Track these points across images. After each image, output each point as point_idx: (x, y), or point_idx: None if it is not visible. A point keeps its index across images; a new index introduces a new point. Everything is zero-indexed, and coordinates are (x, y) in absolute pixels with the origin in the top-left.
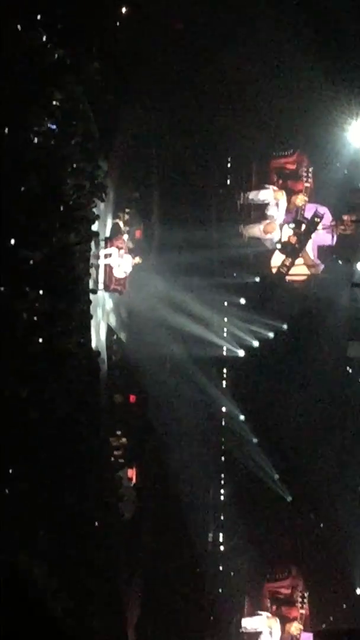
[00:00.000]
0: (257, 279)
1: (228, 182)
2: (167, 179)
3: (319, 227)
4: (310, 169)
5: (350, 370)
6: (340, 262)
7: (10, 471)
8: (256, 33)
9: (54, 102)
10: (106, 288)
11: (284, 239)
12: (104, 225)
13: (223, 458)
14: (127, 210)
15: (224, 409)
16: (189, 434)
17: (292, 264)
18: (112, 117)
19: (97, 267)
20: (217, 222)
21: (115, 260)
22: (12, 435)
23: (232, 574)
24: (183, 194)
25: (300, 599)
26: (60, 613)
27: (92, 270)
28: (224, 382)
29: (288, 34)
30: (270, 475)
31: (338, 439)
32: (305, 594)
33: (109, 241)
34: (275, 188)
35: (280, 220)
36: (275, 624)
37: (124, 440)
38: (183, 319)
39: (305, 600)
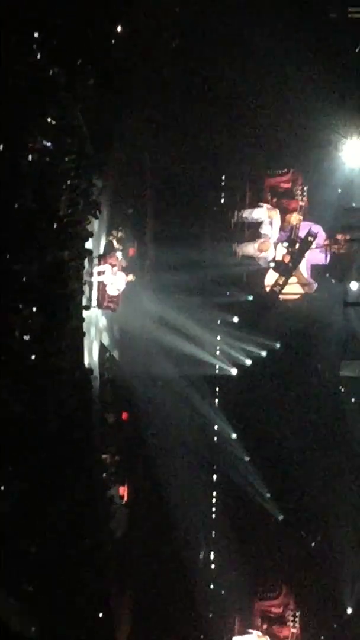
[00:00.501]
0: (251, 298)
1: (222, 200)
2: (161, 197)
3: (313, 246)
4: (305, 188)
5: (342, 390)
6: (333, 281)
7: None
8: (252, 52)
9: (49, 119)
10: (99, 305)
11: (278, 257)
12: (97, 243)
13: (214, 476)
14: (120, 228)
15: (215, 427)
16: (181, 452)
17: (286, 282)
18: (106, 134)
19: (91, 284)
20: (210, 240)
21: (109, 277)
22: (2, 450)
23: (222, 592)
24: (177, 212)
25: (291, 618)
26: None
27: (86, 288)
28: (216, 400)
29: (284, 53)
30: (262, 493)
31: (330, 458)
32: (297, 613)
33: (102, 258)
34: (269, 206)
35: (274, 238)
36: None
37: (116, 457)
38: (176, 337)
39: (297, 619)
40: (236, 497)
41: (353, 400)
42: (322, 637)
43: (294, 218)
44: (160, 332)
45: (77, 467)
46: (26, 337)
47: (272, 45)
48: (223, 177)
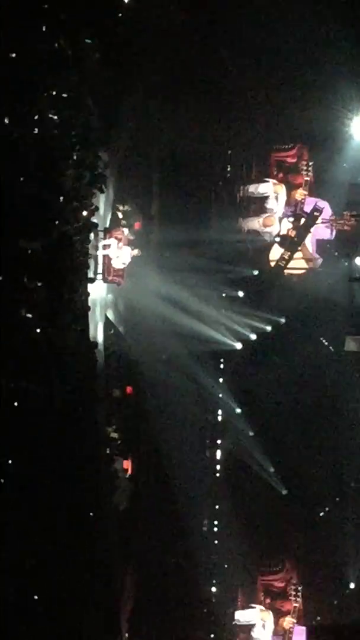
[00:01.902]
0: (256, 272)
1: (228, 175)
2: (167, 171)
3: (318, 221)
4: (311, 163)
5: (346, 364)
6: (338, 256)
7: (8, 461)
8: (258, 26)
9: (55, 93)
10: (104, 279)
11: (283, 232)
12: (103, 216)
13: (218, 450)
14: (126, 201)
15: (220, 401)
16: (185, 426)
17: (291, 257)
18: (112, 108)
19: (96, 258)
20: (216, 214)
21: (114, 251)
22: (9, 425)
23: (225, 566)
24: (183, 186)
25: (293, 593)
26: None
27: (91, 261)
28: (221, 375)
29: (291, 28)
30: (266, 467)
31: (334, 432)
32: (299, 588)
33: (107, 232)
34: (275, 181)
35: (279, 213)
36: (269, 617)
37: (120, 431)
38: (181, 312)
39: (299, 594)
40: (240, 471)
41: (357, 374)
42: (324, 612)
43: (299, 194)
44: (165, 306)
45: (82, 440)
46: (31, 311)
47: (280, 19)
48: (229, 152)
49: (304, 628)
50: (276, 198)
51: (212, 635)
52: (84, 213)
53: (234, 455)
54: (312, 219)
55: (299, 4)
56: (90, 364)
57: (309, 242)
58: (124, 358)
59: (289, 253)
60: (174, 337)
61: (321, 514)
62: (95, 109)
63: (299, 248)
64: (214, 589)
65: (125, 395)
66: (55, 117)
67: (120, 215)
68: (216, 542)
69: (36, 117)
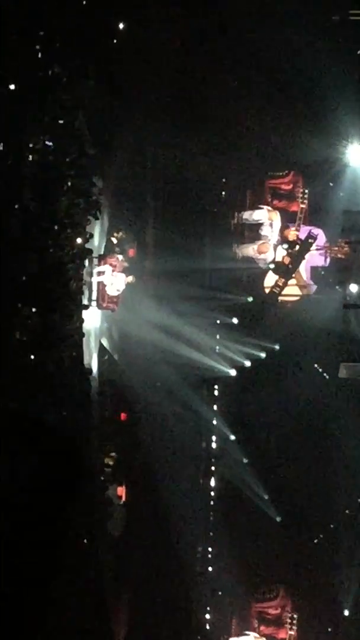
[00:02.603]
0: (250, 299)
1: (222, 201)
2: (161, 198)
3: (313, 248)
4: (306, 190)
5: (341, 391)
6: (332, 283)
7: None
8: (254, 54)
9: (49, 119)
10: (99, 306)
11: (278, 259)
12: (97, 243)
13: (212, 477)
14: (121, 228)
15: (214, 428)
16: (179, 453)
17: (285, 284)
18: (107, 134)
19: (90, 284)
20: (210, 241)
21: (109, 278)
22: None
23: (220, 593)
24: (177, 213)
25: (289, 620)
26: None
27: (85, 288)
28: (215, 402)
29: (286, 55)
30: (260, 495)
31: (329, 459)
32: (295, 615)
33: (102, 259)
34: (269, 208)
35: (274, 240)
36: None
37: (113, 456)
38: (175, 338)
39: (295, 621)
40: (234, 498)
41: (350, 399)
42: (319, 639)
43: (291, 235)
44: (160, 333)
45: (75, 467)
46: (26, 337)
47: (274, 46)
48: (224, 179)
49: None
50: (271, 225)
51: None
52: (79, 240)
53: (228, 482)
54: (306, 246)
55: (293, 31)
56: (84, 390)
57: (303, 269)
58: (118, 385)
59: (283, 280)
60: (168, 364)
61: (315, 541)
62: (90, 135)
63: (294, 275)
64: (208, 616)
65: (119, 422)
66: (50, 144)
67: (114, 242)
68: (210, 568)
69: (31, 144)
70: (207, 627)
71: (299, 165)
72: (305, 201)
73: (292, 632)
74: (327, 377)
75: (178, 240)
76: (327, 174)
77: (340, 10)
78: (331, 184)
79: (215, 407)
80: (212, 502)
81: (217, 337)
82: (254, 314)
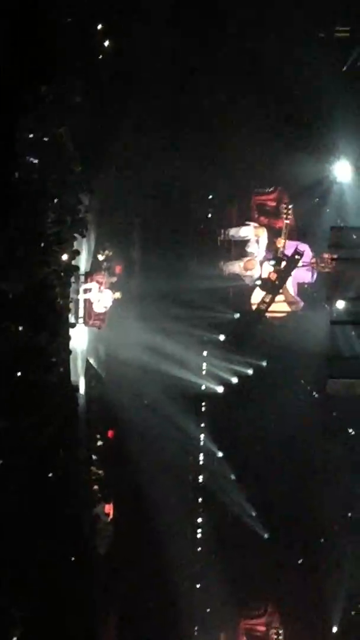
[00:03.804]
0: (237, 316)
1: (209, 218)
2: (148, 214)
3: (300, 264)
4: (290, 206)
5: (327, 406)
6: (319, 299)
7: None
8: (241, 71)
9: (35, 136)
10: (85, 323)
11: (264, 275)
12: (84, 260)
13: (200, 494)
14: (107, 245)
15: (201, 445)
16: (167, 470)
17: (272, 300)
18: (94, 151)
19: (77, 301)
20: (197, 258)
21: (95, 295)
22: None
23: (208, 610)
24: (164, 230)
25: (275, 637)
26: None
27: (72, 305)
28: (203, 419)
29: (272, 72)
30: (248, 511)
31: (316, 476)
32: (280, 631)
33: (89, 276)
34: (256, 225)
35: (260, 257)
36: None
37: (101, 474)
38: (162, 355)
39: (281, 637)
40: (222, 515)
41: (337, 416)
42: None
43: (280, 242)
44: (146, 350)
45: (63, 485)
46: (12, 355)
47: (260, 63)
48: (210, 196)
49: None
50: (257, 241)
51: None
52: (65, 257)
53: (215, 499)
54: (293, 262)
55: (280, 48)
56: (71, 408)
57: (291, 285)
58: (105, 402)
59: (270, 296)
60: (155, 381)
61: (301, 559)
62: (76, 152)
63: (281, 291)
64: (196, 633)
65: (106, 440)
66: (36, 161)
67: (101, 258)
68: (198, 585)
69: (17, 161)
70: None
71: (286, 182)
72: (290, 217)
73: None
74: (315, 393)
75: (164, 257)
76: (314, 190)
77: (327, 28)
78: (318, 200)
79: (202, 424)
80: (199, 519)
81: (204, 353)
82: (241, 330)
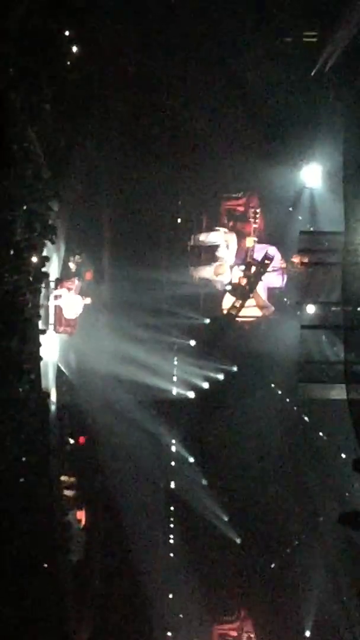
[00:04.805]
0: (207, 321)
1: (178, 224)
2: (118, 221)
3: (269, 269)
4: (258, 210)
5: (298, 411)
6: (290, 304)
7: None
8: (208, 75)
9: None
10: (56, 330)
11: (235, 280)
12: (54, 267)
13: (172, 500)
14: (77, 251)
15: (173, 451)
16: (138, 476)
17: (242, 305)
18: (62, 158)
19: (47, 308)
20: (167, 263)
21: (66, 301)
22: None
23: (180, 615)
24: (134, 236)
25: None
26: None
27: (42, 312)
28: (174, 424)
29: (240, 77)
30: (220, 517)
31: (289, 480)
32: (252, 636)
33: (59, 283)
34: (225, 230)
35: (230, 262)
36: None
37: (72, 480)
38: (132, 361)
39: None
40: (194, 520)
41: (308, 420)
42: None
43: (249, 241)
44: (117, 357)
45: (34, 492)
46: None
47: (226, 67)
48: (179, 202)
49: None
50: (227, 246)
51: None
52: (35, 264)
53: (187, 504)
54: (262, 266)
55: (247, 53)
56: (42, 414)
57: (261, 290)
58: (76, 408)
59: (240, 301)
60: (126, 388)
61: (273, 564)
62: (45, 159)
63: (252, 296)
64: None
65: (78, 446)
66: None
67: (71, 265)
68: (171, 595)
69: None
70: None
71: (255, 187)
72: (258, 220)
73: None
74: (286, 397)
75: (134, 263)
76: (284, 195)
77: (294, 33)
78: (287, 205)
79: (173, 430)
80: (171, 525)
81: (175, 359)
82: (212, 336)
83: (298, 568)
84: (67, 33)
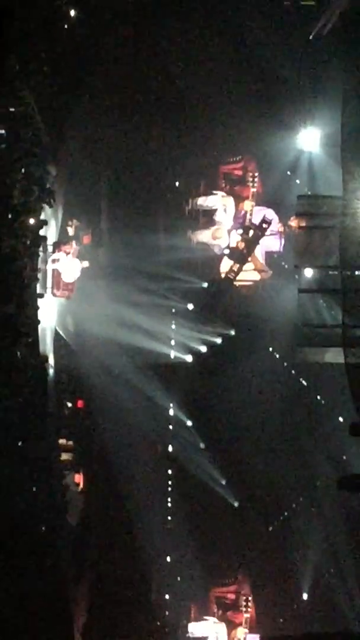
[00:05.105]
0: (205, 285)
1: (177, 188)
2: (116, 185)
3: (267, 232)
4: (256, 174)
5: (296, 374)
6: (288, 268)
7: None
8: (204, 39)
9: (2, 107)
10: (54, 293)
11: (232, 244)
12: (52, 230)
13: (169, 463)
14: (75, 215)
15: (171, 414)
16: (136, 439)
17: (240, 269)
18: (61, 122)
19: (45, 272)
20: (165, 228)
21: (64, 265)
22: None
23: (178, 578)
24: (132, 200)
25: (244, 603)
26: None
27: (40, 275)
28: (171, 388)
29: (237, 40)
30: (217, 480)
31: (286, 444)
32: (249, 598)
33: (57, 246)
34: (223, 194)
35: (228, 226)
36: (222, 628)
37: (70, 444)
38: (130, 325)
39: (250, 604)
40: (192, 484)
41: (305, 384)
42: (280, 620)
43: (247, 204)
44: (115, 320)
45: (33, 455)
46: None
47: (224, 31)
48: (177, 166)
49: (257, 636)
50: (224, 210)
51: None
52: (33, 227)
53: (185, 467)
54: (260, 230)
55: (244, 15)
56: (40, 378)
57: (260, 254)
58: (74, 372)
59: (237, 265)
60: (124, 351)
61: (270, 528)
62: (44, 122)
63: (250, 259)
64: (167, 602)
65: (76, 409)
66: (3, 132)
67: (69, 229)
68: (168, 559)
69: None
70: (167, 612)
71: (253, 151)
72: (256, 184)
73: (247, 615)
74: (284, 361)
75: (132, 227)
76: (282, 159)
77: None
78: (286, 169)
79: (171, 394)
80: (169, 489)
81: (173, 323)
82: (210, 300)
83: (296, 531)
84: None
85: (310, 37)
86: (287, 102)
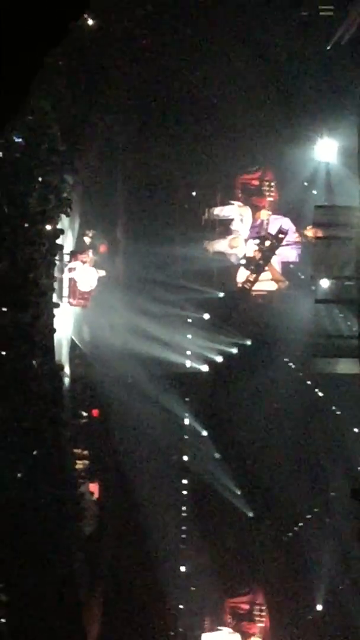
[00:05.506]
0: (221, 295)
1: (193, 198)
2: (133, 194)
3: (284, 242)
4: (273, 184)
5: (312, 385)
6: (303, 278)
7: None
8: (224, 51)
9: (19, 115)
10: (70, 302)
11: (249, 254)
12: (68, 239)
13: (185, 473)
14: (92, 224)
15: (186, 424)
16: (151, 449)
17: (256, 279)
18: (78, 130)
19: (61, 281)
20: (181, 237)
21: (80, 274)
22: None
23: (192, 589)
24: (149, 209)
25: (258, 613)
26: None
27: (56, 284)
28: (187, 398)
29: (256, 52)
30: (232, 490)
31: (301, 454)
32: (263, 608)
33: (73, 255)
34: (239, 204)
35: (244, 235)
36: (236, 639)
37: (86, 453)
38: (146, 334)
39: (264, 614)
40: (207, 494)
41: (321, 394)
42: (294, 630)
43: (263, 214)
44: (130, 330)
45: (48, 464)
46: None
47: (244, 43)
48: (194, 175)
49: None
50: (241, 220)
51: None
52: (49, 236)
53: (200, 478)
54: (277, 240)
55: (263, 26)
56: (55, 387)
57: (276, 264)
58: (89, 381)
59: (254, 275)
60: (140, 361)
61: (285, 538)
62: (61, 131)
63: (267, 269)
64: (180, 612)
65: (91, 418)
66: (20, 140)
67: (86, 238)
68: (183, 568)
69: (1, 141)
70: (180, 622)
71: (270, 161)
72: (272, 194)
73: (262, 625)
74: (300, 372)
75: (149, 237)
76: (299, 169)
77: (310, 6)
78: (303, 180)
79: (187, 404)
80: (184, 498)
81: (189, 333)
82: (226, 310)
83: (310, 542)
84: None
85: (328, 47)
86: (305, 113)
